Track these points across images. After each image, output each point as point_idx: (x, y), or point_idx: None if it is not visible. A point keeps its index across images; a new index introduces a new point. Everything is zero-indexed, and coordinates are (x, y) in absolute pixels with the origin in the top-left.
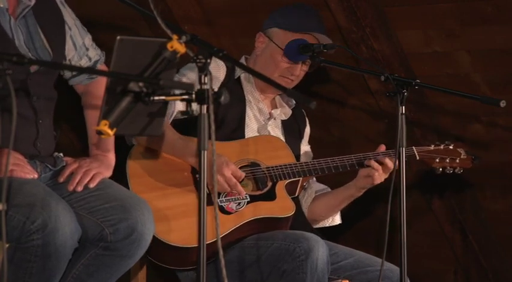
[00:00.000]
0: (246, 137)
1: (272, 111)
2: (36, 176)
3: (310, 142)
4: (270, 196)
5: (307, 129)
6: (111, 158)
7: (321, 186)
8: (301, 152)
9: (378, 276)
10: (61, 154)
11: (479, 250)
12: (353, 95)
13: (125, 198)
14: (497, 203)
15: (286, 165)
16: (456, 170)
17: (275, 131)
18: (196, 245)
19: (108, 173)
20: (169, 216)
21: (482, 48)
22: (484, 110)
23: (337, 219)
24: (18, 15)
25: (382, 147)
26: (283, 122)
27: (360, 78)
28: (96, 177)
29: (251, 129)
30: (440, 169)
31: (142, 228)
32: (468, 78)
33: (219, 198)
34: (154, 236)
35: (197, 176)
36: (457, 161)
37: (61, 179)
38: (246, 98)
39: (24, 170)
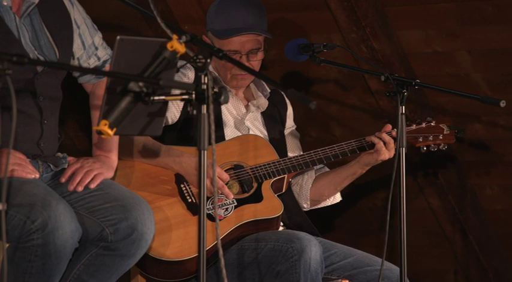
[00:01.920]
0: (226, 136)
1: (249, 103)
2: (37, 176)
3: (310, 142)
4: (257, 198)
5: (289, 111)
6: (114, 159)
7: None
8: (287, 138)
9: (378, 276)
10: (65, 154)
11: (480, 250)
12: (353, 95)
13: (125, 198)
14: (497, 203)
15: (269, 163)
16: (440, 147)
17: (255, 124)
18: (189, 257)
19: (110, 174)
20: (159, 230)
21: (483, 48)
22: (484, 110)
23: (337, 197)
24: (23, 13)
25: (388, 127)
26: (263, 113)
27: (360, 78)
28: (98, 178)
29: (229, 126)
30: (425, 148)
31: (143, 227)
32: (468, 78)
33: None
34: (146, 253)
35: (182, 185)
36: (440, 137)
37: (63, 180)
38: None
39: (26, 170)
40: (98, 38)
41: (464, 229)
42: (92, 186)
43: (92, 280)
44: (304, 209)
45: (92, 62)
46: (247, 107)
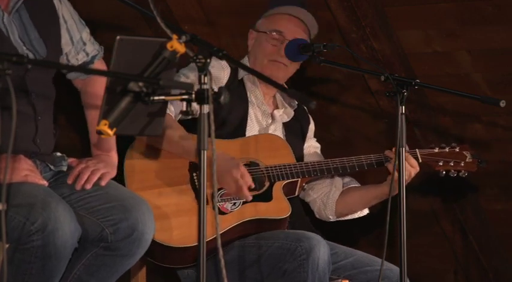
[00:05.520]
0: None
1: (274, 111)
2: (46, 184)
3: None
4: (267, 197)
5: (311, 126)
6: (115, 156)
7: (346, 178)
8: (306, 150)
9: (378, 276)
10: (64, 155)
11: (480, 250)
12: (353, 95)
13: (125, 198)
14: (497, 203)
15: (285, 165)
16: (460, 174)
17: (277, 133)
18: (190, 245)
19: (114, 172)
20: (164, 214)
21: (483, 48)
22: (484, 110)
23: (365, 211)
24: (11, 9)
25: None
26: (284, 124)
27: (360, 78)
28: (106, 176)
29: (253, 131)
30: (444, 172)
31: (143, 227)
32: (468, 78)
33: (213, 197)
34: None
35: (194, 174)
36: (462, 164)
37: (70, 181)
38: (249, 100)
39: (38, 177)
40: (86, 34)
41: (464, 229)
42: (103, 183)
43: (92, 280)
44: (330, 220)
45: (81, 58)
46: (272, 115)
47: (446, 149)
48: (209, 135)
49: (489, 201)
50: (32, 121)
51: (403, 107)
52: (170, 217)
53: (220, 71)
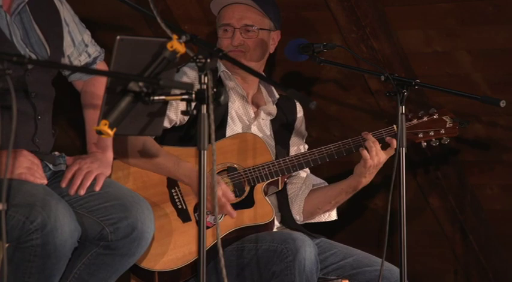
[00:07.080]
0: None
1: (259, 109)
2: (45, 182)
3: (310, 142)
4: (249, 202)
5: (300, 115)
6: (110, 155)
7: (318, 180)
8: (294, 145)
9: (377, 277)
10: (63, 154)
11: (480, 250)
12: (353, 95)
13: (125, 197)
14: (497, 203)
15: (263, 165)
16: (442, 141)
17: (263, 130)
18: (177, 267)
19: (108, 171)
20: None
21: (483, 48)
22: (484, 110)
23: (333, 215)
24: (14, 11)
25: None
26: (272, 120)
27: (360, 78)
28: (100, 178)
29: (235, 130)
30: (425, 143)
31: (142, 226)
32: (468, 78)
33: (195, 212)
34: (136, 265)
35: (173, 190)
36: (442, 131)
37: (63, 184)
38: (230, 97)
39: (35, 174)
40: (87, 36)
41: (464, 229)
42: (97, 188)
43: (92, 280)
44: (298, 222)
45: (83, 59)
46: (256, 112)
47: (425, 118)
48: (209, 141)
49: (489, 201)
50: (31, 120)
51: (403, 107)
52: (155, 241)
53: (196, 72)
